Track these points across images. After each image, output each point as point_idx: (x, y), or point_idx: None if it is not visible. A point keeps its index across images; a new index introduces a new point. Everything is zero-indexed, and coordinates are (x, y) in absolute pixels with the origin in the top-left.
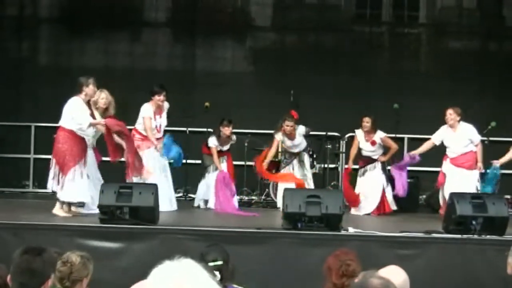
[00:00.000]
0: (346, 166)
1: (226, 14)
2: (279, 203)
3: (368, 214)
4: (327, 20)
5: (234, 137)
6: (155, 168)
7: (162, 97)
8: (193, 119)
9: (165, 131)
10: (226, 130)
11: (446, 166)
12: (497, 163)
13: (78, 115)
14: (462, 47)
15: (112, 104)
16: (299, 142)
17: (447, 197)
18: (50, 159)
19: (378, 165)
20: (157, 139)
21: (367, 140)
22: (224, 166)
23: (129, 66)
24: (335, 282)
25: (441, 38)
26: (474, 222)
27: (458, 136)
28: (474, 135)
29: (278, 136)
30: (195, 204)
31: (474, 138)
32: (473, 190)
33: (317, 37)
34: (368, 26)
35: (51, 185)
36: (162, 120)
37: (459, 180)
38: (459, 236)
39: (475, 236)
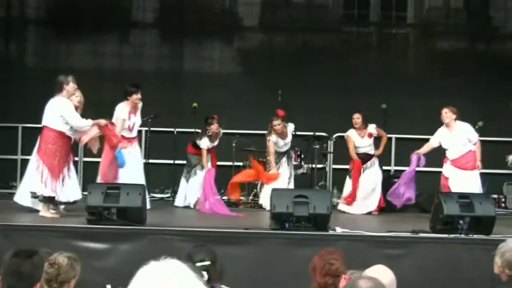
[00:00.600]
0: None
1: (213, 15)
2: (262, 202)
3: (370, 213)
4: (315, 20)
5: (220, 130)
6: (128, 167)
7: (138, 96)
8: (181, 120)
9: (139, 132)
10: (214, 127)
11: (447, 168)
12: None
13: (74, 117)
14: (449, 47)
15: (82, 103)
16: (290, 139)
17: None
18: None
19: (376, 161)
20: (130, 138)
21: (362, 136)
22: (208, 163)
23: (117, 67)
24: (319, 281)
25: (428, 38)
26: (461, 222)
27: (455, 136)
28: (471, 133)
29: (273, 138)
30: (177, 204)
31: (471, 136)
32: (478, 191)
33: (305, 37)
34: (356, 27)
35: (39, 188)
36: (137, 119)
37: (462, 182)
38: (446, 235)
39: (462, 236)
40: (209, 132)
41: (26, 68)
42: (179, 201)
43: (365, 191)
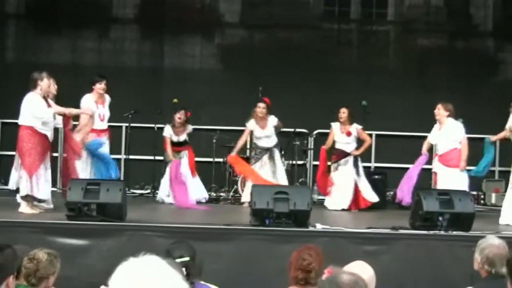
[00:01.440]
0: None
1: (194, 11)
2: (244, 198)
3: (346, 210)
4: (296, 17)
5: (189, 126)
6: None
7: (103, 86)
8: (161, 116)
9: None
10: (177, 116)
11: (435, 165)
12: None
13: (38, 109)
14: (429, 44)
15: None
16: (270, 133)
17: None
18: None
19: (351, 160)
20: (102, 130)
21: (343, 132)
22: (185, 161)
23: (97, 63)
24: (291, 275)
25: (409, 35)
26: (440, 218)
27: (443, 133)
28: (458, 132)
29: (250, 124)
30: (158, 199)
31: (458, 135)
32: (464, 189)
33: (285, 34)
34: (337, 23)
35: (24, 187)
36: (105, 111)
37: (448, 179)
38: (425, 232)
39: (442, 232)
40: (174, 121)
41: (5, 63)
42: (161, 195)
43: (338, 188)
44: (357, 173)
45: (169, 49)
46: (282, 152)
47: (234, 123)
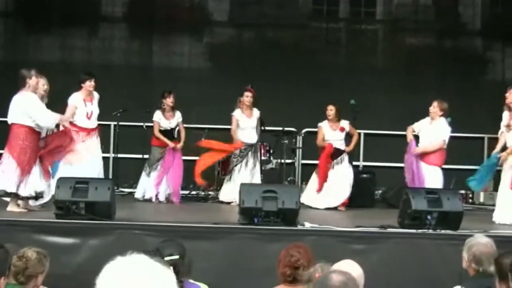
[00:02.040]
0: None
1: (183, 9)
2: (221, 197)
3: (335, 208)
4: (285, 15)
5: (178, 113)
6: (88, 160)
7: (92, 83)
8: (150, 114)
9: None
10: (168, 100)
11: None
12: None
13: (41, 114)
14: (418, 43)
15: (47, 91)
16: (254, 124)
17: None
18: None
19: (346, 158)
20: (90, 130)
21: (334, 129)
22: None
23: (86, 61)
24: (280, 271)
25: (397, 34)
26: (429, 217)
27: (431, 130)
28: (445, 134)
29: (236, 113)
30: (136, 196)
31: (443, 136)
32: (438, 186)
33: (274, 32)
34: (325, 22)
35: (9, 185)
36: (94, 108)
37: (424, 174)
38: (414, 230)
39: (430, 231)
40: (163, 105)
41: None
42: (138, 194)
43: (332, 187)
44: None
45: (157, 47)
46: (271, 151)
47: (222, 122)
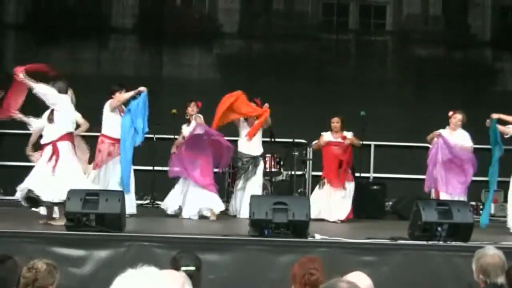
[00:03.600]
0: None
1: (193, 21)
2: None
3: (341, 221)
4: (294, 27)
5: (195, 116)
6: (112, 173)
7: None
8: (160, 126)
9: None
10: (189, 110)
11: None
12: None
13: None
14: (428, 54)
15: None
16: (257, 137)
17: None
18: (14, 166)
19: (348, 170)
20: (117, 140)
21: (336, 137)
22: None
23: (96, 73)
24: None
25: (407, 45)
26: (439, 229)
27: (454, 138)
28: (468, 139)
29: (240, 122)
30: (169, 212)
31: (468, 141)
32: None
33: (284, 44)
34: (335, 34)
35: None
36: None
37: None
38: (424, 242)
39: (440, 243)
40: (186, 115)
41: (5, 73)
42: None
43: (335, 199)
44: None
45: (167, 59)
46: (281, 163)
47: (231, 133)
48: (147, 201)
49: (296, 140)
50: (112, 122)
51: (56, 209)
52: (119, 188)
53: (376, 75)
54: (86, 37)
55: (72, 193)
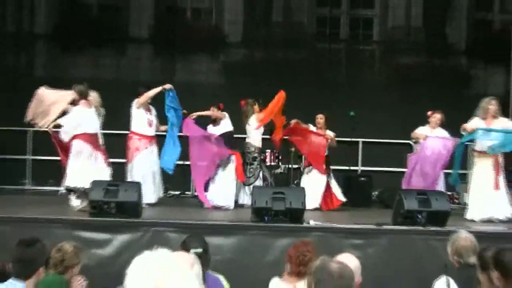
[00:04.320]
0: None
1: (202, 32)
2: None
3: (318, 209)
4: (292, 37)
5: (220, 115)
6: (150, 165)
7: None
8: None
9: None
10: (208, 112)
11: None
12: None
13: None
14: (410, 62)
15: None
16: (251, 131)
17: None
18: (45, 160)
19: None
20: (150, 137)
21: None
22: (232, 166)
23: (115, 77)
24: (294, 270)
25: (392, 54)
26: (419, 216)
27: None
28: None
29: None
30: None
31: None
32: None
33: (282, 52)
34: (328, 43)
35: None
36: (153, 117)
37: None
38: (406, 227)
39: (420, 228)
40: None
41: (35, 78)
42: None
43: (309, 188)
44: (329, 174)
45: (179, 65)
46: (280, 157)
47: (236, 132)
48: (178, 192)
49: None
50: (139, 119)
51: (73, 196)
52: (154, 178)
53: (365, 80)
54: (106, 45)
55: (95, 183)
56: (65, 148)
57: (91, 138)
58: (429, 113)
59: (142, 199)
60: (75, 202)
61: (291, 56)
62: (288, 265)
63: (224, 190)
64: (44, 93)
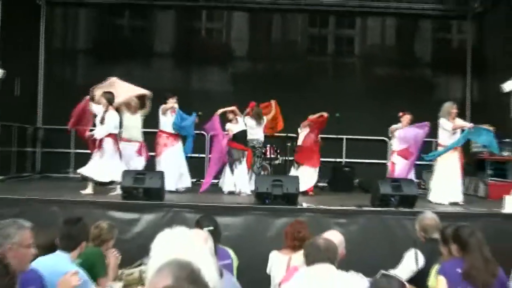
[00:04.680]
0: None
1: (214, 48)
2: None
3: (305, 192)
4: (288, 52)
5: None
6: (176, 159)
7: (175, 99)
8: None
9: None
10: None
11: (395, 158)
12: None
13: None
14: (385, 73)
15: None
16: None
17: None
18: (85, 153)
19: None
20: (174, 135)
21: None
22: (244, 161)
23: (143, 86)
24: (290, 244)
25: (370, 66)
26: (392, 199)
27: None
28: None
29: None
30: (225, 190)
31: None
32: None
33: (280, 64)
34: (317, 57)
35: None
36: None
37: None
38: (382, 209)
39: (393, 209)
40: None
41: (77, 86)
42: (227, 187)
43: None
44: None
45: (195, 76)
46: (278, 151)
47: None
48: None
49: (289, 135)
50: (165, 121)
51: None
52: (179, 169)
53: (348, 88)
54: (136, 59)
55: (126, 172)
56: (92, 142)
57: (116, 139)
58: (400, 114)
59: (164, 185)
60: (89, 189)
61: (287, 68)
62: (285, 240)
63: (242, 179)
64: (117, 81)
